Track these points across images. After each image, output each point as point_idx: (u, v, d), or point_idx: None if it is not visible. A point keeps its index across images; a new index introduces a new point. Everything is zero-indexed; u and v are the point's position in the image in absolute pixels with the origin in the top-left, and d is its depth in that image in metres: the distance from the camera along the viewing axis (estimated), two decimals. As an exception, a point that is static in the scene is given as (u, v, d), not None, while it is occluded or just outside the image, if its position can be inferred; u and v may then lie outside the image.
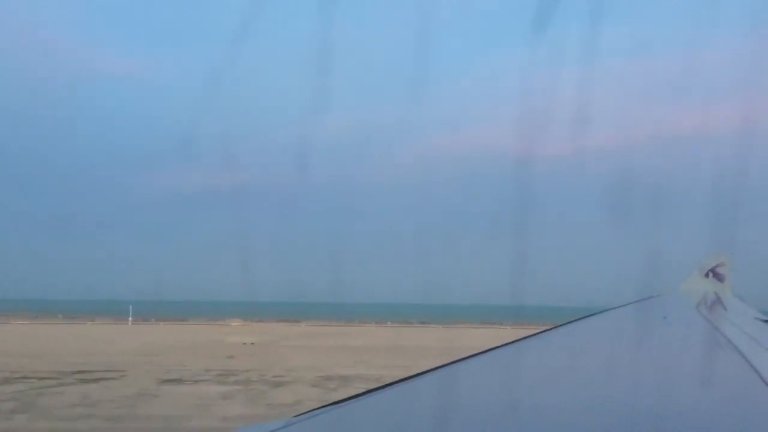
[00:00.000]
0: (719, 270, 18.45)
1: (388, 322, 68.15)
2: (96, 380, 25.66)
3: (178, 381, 25.87)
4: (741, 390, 3.48)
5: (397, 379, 3.61)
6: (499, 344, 5.10)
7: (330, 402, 3.00)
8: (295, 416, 2.74)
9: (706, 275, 18.41)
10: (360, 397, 3.09)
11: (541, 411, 2.89)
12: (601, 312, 9.04)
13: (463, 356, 4.37)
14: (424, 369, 3.85)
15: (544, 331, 6.81)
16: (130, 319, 63.31)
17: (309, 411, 2.83)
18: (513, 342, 5.40)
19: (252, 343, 42.48)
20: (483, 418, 2.71)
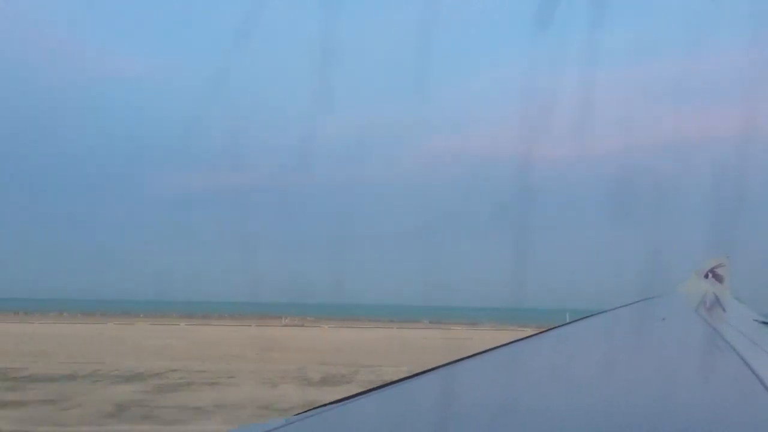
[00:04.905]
0: (718, 271, 18.48)
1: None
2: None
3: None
4: (739, 392, 3.49)
5: None
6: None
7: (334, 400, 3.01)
8: (294, 415, 2.75)
9: (706, 276, 18.44)
10: (359, 397, 3.10)
11: (538, 412, 2.90)
12: (600, 313, 9.06)
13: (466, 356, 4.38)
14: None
15: (543, 332, 6.82)
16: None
17: (309, 410, 2.84)
18: (512, 342, 5.41)
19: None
20: (482, 418, 2.72)
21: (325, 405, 2.90)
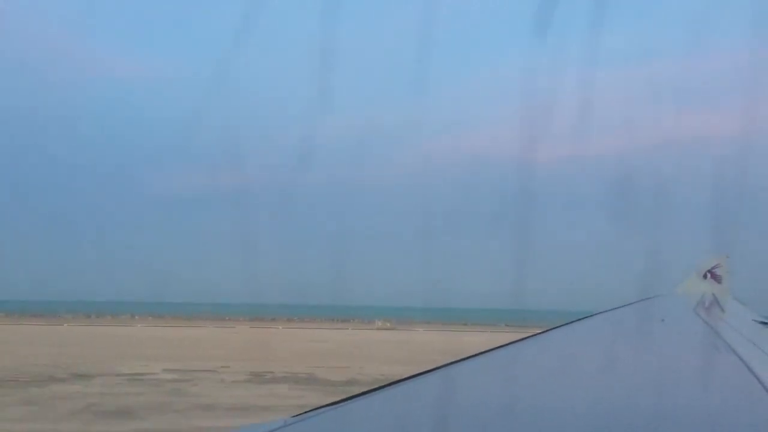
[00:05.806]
0: (717, 272, 18.47)
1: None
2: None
3: None
4: (738, 393, 3.49)
5: None
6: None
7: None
8: (293, 416, 2.74)
9: (704, 277, 18.43)
10: (359, 398, 3.09)
11: (538, 412, 2.90)
12: (599, 314, 9.04)
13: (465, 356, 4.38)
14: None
15: (542, 332, 6.81)
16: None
17: (308, 411, 2.84)
18: (511, 343, 5.40)
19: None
20: (482, 419, 2.72)
21: (324, 406, 2.89)
